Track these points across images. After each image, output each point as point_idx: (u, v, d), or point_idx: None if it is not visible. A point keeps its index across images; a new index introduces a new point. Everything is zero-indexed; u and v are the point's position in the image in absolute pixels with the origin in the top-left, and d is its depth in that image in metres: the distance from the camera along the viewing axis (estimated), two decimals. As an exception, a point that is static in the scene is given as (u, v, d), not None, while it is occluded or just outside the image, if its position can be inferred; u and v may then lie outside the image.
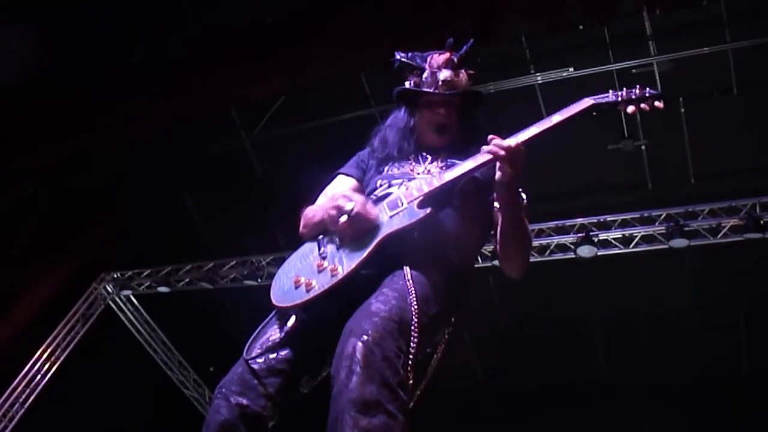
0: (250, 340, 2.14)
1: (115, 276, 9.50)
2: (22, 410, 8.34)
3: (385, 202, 2.23)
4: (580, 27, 6.96)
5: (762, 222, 6.81)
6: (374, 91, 8.17)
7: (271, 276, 8.60)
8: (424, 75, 2.46)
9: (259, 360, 2.07)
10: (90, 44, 7.26)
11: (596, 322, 8.91)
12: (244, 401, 1.99)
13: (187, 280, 9.19)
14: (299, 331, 2.09)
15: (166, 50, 7.53)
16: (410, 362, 1.88)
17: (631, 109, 2.27)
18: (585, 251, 7.37)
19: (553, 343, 8.69)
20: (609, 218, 7.50)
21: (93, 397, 8.49)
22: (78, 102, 7.57)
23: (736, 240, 7.00)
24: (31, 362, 8.55)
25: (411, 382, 1.88)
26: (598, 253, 7.43)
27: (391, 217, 2.17)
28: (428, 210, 2.13)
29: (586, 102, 2.31)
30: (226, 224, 9.53)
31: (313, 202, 2.49)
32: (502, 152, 2.09)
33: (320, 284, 2.09)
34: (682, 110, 7.41)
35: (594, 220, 7.52)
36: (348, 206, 2.14)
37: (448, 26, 6.24)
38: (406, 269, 2.08)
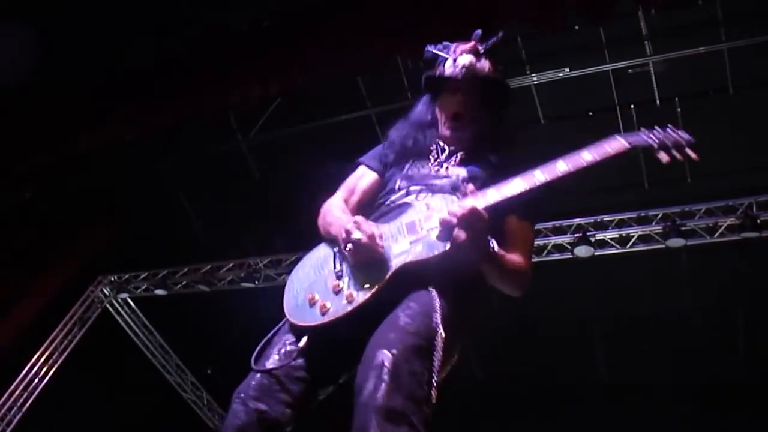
0: (263, 344, 2.17)
1: (112, 279, 9.48)
2: (20, 414, 8.33)
3: (404, 222, 2.19)
4: (576, 27, 6.98)
5: (759, 221, 6.82)
6: (371, 93, 8.18)
7: (269, 278, 8.68)
8: (447, 63, 2.42)
9: (278, 367, 2.07)
10: (90, 45, 7.26)
11: (594, 322, 8.92)
12: (263, 407, 1.99)
13: (185, 282, 9.18)
14: (315, 343, 2.10)
15: (166, 52, 7.53)
16: (434, 381, 1.90)
17: (666, 158, 2.16)
18: (582, 251, 7.38)
19: (551, 343, 8.69)
20: (606, 218, 7.50)
21: (90, 401, 8.49)
22: (77, 103, 7.57)
23: (733, 239, 7.02)
24: (29, 366, 8.54)
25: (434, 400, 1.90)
26: (596, 253, 7.43)
27: (411, 243, 2.14)
28: (447, 246, 2.07)
29: (623, 146, 2.18)
30: (223, 226, 9.52)
31: (332, 192, 2.49)
32: (454, 220, 2.03)
33: (335, 309, 2.10)
34: (678, 110, 7.43)
35: (591, 220, 7.52)
36: (355, 235, 2.13)
37: (446, 27, 6.24)
38: (431, 290, 2.05)
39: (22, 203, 8.48)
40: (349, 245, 2.14)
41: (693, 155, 2.14)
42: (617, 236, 7.46)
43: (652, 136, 2.17)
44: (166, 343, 10.00)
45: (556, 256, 7.61)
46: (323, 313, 2.10)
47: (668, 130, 2.18)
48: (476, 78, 2.38)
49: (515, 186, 2.10)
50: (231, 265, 8.98)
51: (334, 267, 2.21)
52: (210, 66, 7.41)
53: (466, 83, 2.38)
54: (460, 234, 2.02)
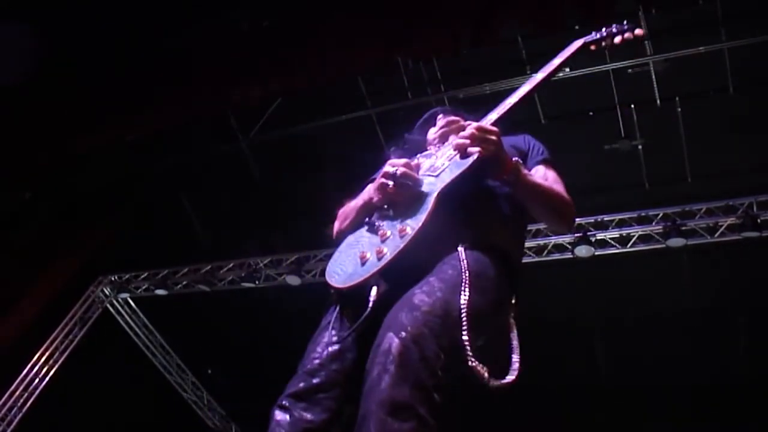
0: (307, 351, 2.03)
1: (113, 279, 9.49)
2: (21, 414, 8.33)
3: (424, 171, 2.19)
4: (576, 27, 6.97)
5: (759, 221, 6.82)
6: (371, 93, 8.18)
7: (269, 278, 8.68)
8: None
9: (322, 372, 1.94)
10: (90, 45, 7.26)
11: (594, 323, 8.91)
12: (308, 416, 1.88)
13: (185, 282, 9.18)
14: (365, 331, 1.93)
15: (166, 52, 7.53)
16: (468, 355, 1.76)
17: (618, 39, 2.50)
18: (582, 251, 7.38)
19: (550, 344, 8.67)
20: (606, 218, 7.50)
21: (91, 401, 8.49)
22: (77, 103, 7.58)
23: (733, 239, 7.01)
24: (29, 365, 8.54)
25: (483, 369, 1.78)
26: (596, 253, 7.44)
27: (436, 176, 2.13)
28: (475, 157, 2.07)
29: (578, 43, 2.53)
30: (223, 226, 9.52)
31: (337, 211, 2.44)
32: (467, 141, 2.09)
33: (393, 247, 1.96)
34: (679, 110, 7.43)
35: (591, 219, 7.52)
36: (392, 170, 2.11)
37: (446, 27, 6.25)
38: (461, 251, 1.97)
39: (22, 203, 8.48)
40: (390, 183, 2.09)
41: (640, 32, 2.51)
42: (617, 236, 7.46)
43: (602, 30, 2.54)
44: (166, 343, 10.01)
45: (557, 256, 7.61)
46: (380, 258, 1.96)
47: (617, 23, 2.54)
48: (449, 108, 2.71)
49: (507, 103, 2.33)
50: (231, 265, 8.98)
51: (372, 228, 2.10)
52: (210, 66, 7.42)
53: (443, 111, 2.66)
54: (478, 150, 2.07)
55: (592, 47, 2.55)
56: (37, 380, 8.55)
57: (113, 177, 8.67)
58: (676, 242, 7.14)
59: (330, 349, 1.98)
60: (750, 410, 7.87)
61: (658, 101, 7.41)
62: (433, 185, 2.09)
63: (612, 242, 7.49)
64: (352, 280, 1.99)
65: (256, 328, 9.01)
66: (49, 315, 8.60)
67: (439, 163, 2.18)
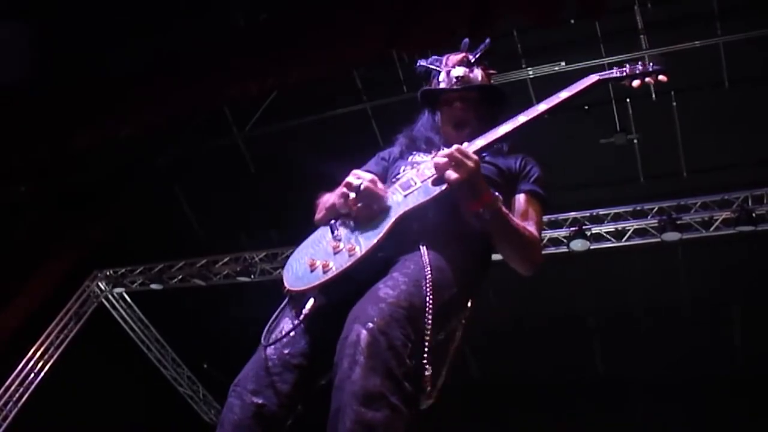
0: (263, 334, 2.07)
1: (108, 273, 9.47)
2: (16, 409, 8.32)
3: (397, 184, 2.20)
4: (572, 21, 6.97)
5: (754, 215, 6.85)
6: (366, 86, 8.17)
7: (264, 272, 8.67)
8: (441, 75, 2.55)
9: (274, 356, 1.99)
10: (87, 41, 7.23)
11: (590, 317, 8.94)
12: (260, 400, 1.92)
13: (180, 277, 9.17)
14: (314, 319, 2.01)
15: (162, 49, 7.50)
16: (425, 350, 1.83)
17: (636, 83, 2.33)
18: (578, 245, 7.39)
19: (547, 339, 8.71)
20: (601, 212, 7.52)
21: (87, 395, 8.48)
22: (73, 100, 7.54)
23: (728, 233, 7.03)
24: (25, 360, 8.52)
25: (429, 371, 1.83)
26: (591, 247, 7.45)
27: (405, 196, 2.14)
28: (444, 186, 2.06)
29: (592, 78, 2.34)
30: (218, 220, 9.51)
31: (317, 201, 2.46)
32: (443, 161, 2.06)
33: (338, 264, 2.02)
34: (674, 104, 7.44)
35: (587, 213, 7.54)
36: (356, 183, 2.12)
37: (443, 21, 6.23)
38: (423, 250, 2.02)
39: (19, 199, 8.45)
40: (352, 194, 2.10)
41: (664, 78, 2.33)
42: (613, 230, 7.47)
43: (623, 69, 2.36)
44: (162, 338, 10.00)
45: (552, 250, 7.61)
46: (325, 272, 2.02)
47: (639, 63, 2.37)
48: (471, 88, 2.50)
49: (500, 130, 2.26)
50: (227, 259, 8.98)
51: (333, 234, 2.14)
52: (206, 63, 7.38)
53: (462, 93, 2.50)
54: (453, 174, 2.03)
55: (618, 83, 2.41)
56: (32, 375, 8.54)
57: (108, 171, 8.63)
58: (672, 236, 7.16)
59: (283, 334, 2.03)
60: (745, 402, 7.90)
61: (654, 95, 7.41)
62: (398, 205, 2.12)
63: (607, 236, 7.50)
64: (296, 285, 2.07)
65: (251, 322, 8.99)
66: (44, 310, 8.57)
67: (416, 180, 2.18)
